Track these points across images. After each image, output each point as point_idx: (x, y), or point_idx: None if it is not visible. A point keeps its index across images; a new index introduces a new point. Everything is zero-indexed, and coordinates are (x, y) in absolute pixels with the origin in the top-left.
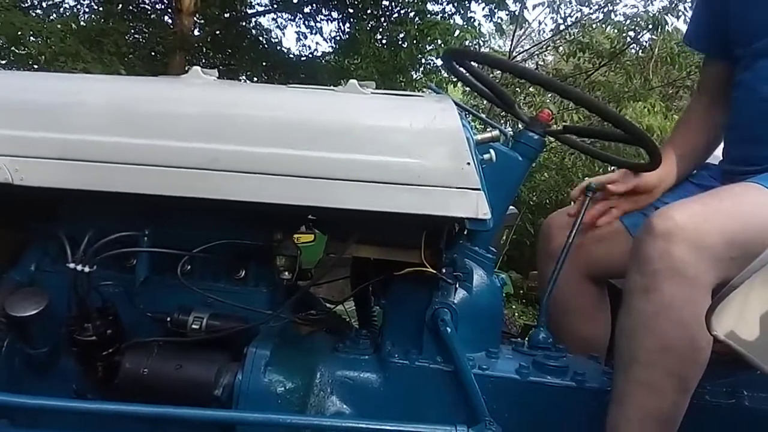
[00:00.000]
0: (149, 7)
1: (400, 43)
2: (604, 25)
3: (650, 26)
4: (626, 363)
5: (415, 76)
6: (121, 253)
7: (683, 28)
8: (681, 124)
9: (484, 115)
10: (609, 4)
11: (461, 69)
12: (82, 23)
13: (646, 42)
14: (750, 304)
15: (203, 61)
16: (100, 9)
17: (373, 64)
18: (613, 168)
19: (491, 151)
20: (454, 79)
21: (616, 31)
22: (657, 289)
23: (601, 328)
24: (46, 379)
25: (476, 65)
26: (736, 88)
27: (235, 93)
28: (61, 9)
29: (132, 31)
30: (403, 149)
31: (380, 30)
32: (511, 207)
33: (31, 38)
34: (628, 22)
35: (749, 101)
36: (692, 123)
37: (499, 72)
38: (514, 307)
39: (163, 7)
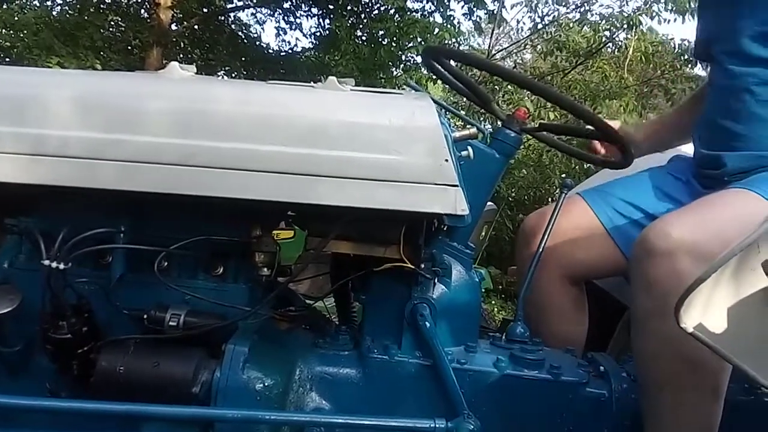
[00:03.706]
0: (125, 1)
1: (380, 40)
2: (579, 25)
3: (625, 26)
4: (654, 386)
5: (395, 74)
6: (96, 250)
7: (657, 28)
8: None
9: (463, 113)
10: (585, 4)
11: (440, 67)
12: (56, 16)
13: (621, 41)
14: (717, 297)
15: (181, 56)
16: (75, 2)
17: (353, 60)
18: (589, 165)
19: (469, 148)
20: (435, 77)
21: (591, 31)
22: (670, 310)
23: (581, 328)
24: (20, 378)
25: (454, 63)
26: (710, 88)
27: (213, 89)
28: (35, 1)
29: (108, 24)
30: (381, 146)
31: (360, 27)
32: (490, 203)
33: (3, 31)
34: (603, 21)
35: (722, 101)
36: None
37: (478, 70)
38: (493, 302)
39: (139, 0)
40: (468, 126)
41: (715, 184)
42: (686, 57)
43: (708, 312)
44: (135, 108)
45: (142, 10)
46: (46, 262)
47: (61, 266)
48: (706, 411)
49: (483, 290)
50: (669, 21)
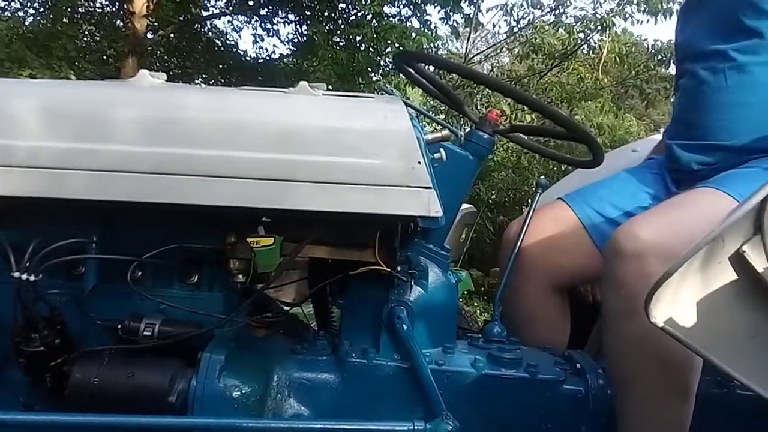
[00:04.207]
0: (100, 10)
1: (357, 45)
2: (554, 28)
3: (599, 28)
4: (626, 384)
5: (374, 79)
6: (67, 260)
7: (631, 29)
8: None
9: (441, 117)
10: (560, 7)
11: (412, 71)
12: (28, 26)
13: (595, 43)
14: (686, 292)
15: (157, 64)
16: (48, 12)
17: (331, 66)
18: (567, 166)
19: (441, 150)
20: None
21: (566, 33)
22: (639, 310)
23: (563, 335)
24: None
25: (427, 67)
26: (680, 86)
27: (183, 96)
28: (6, 12)
29: (82, 34)
30: (354, 150)
31: (338, 33)
32: (470, 206)
33: None
34: (578, 24)
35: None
36: None
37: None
38: (476, 304)
39: (114, 9)
40: (440, 128)
41: (685, 180)
42: (660, 57)
43: (677, 307)
44: (105, 117)
45: (117, 20)
46: (16, 274)
47: (32, 278)
48: (677, 408)
49: (465, 292)
50: (642, 22)
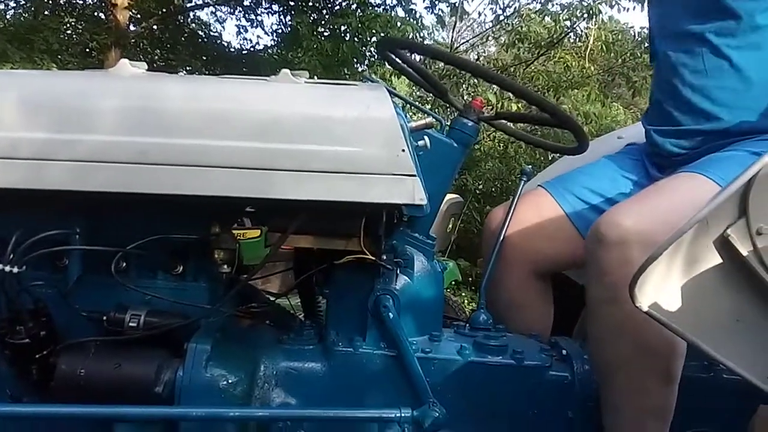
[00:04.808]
0: (82, 2)
1: (342, 35)
2: (540, 16)
3: (585, 15)
4: (608, 371)
5: (360, 69)
6: (51, 252)
7: (618, 16)
8: None
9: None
10: None
11: (396, 58)
12: (9, 20)
13: (582, 31)
14: (671, 276)
15: (140, 57)
16: (29, 5)
17: (316, 57)
18: (554, 155)
19: (425, 138)
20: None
21: (552, 21)
22: (622, 298)
23: (547, 320)
24: None
25: (411, 55)
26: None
27: (164, 85)
28: None
29: (64, 27)
30: (337, 138)
31: (322, 22)
32: (456, 196)
33: None
34: (564, 11)
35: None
36: None
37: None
38: (463, 294)
39: (96, 1)
40: (424, 116)
41: (666, 165)
42: (646, 45)
43: (663, 291)
44: (85, 107)
45: (100, 12)
46: (0, 266)
47: (15, 270)
48: (660, 393)
49: (452, 282)
50: (628, 9)
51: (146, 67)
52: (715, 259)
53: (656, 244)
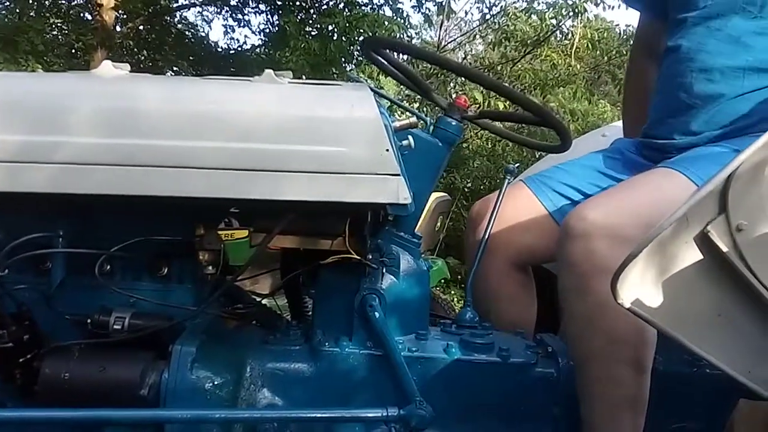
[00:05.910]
0: (67, 2)
1: (330, 35)
2: (526, 14)
3: (571, 13)
4: (582, 362)
5: (348, 68)
6: (34, 255)
7: (603, 14)
8: (626, 92)
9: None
10: None
11: (380, 58)
12: None
13: (568, 29)
14: (651, 271)
15: (127, 57)
16: (14, 5)
17: (303, 56)
18: (540, 154)
19: (410, 137)
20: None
21: (538, 19)
22: (589, 289)
23: (529, 312)
24: None
25: (398, 56)
26: (669, 54)
27: (147, 86)
28: None
29: (49, 27)
30: (321, 138)
31: (309, 22)
32: (444, 194)
33: None
34: (549, 10)
35: (681, 69)
36: (633, 87)
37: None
38: (453, 292)
39: (82, 1)
40: (408, 115)
41: (660, 159)
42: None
43: (644, 287)
44: (67, 108)
45: (85, 12)
46: None
47: None
48: (632, 383)
49: (441, 281)
50: (613, 7)
51: (129, 68)
52: (696, 255)
53: (622, 237)
